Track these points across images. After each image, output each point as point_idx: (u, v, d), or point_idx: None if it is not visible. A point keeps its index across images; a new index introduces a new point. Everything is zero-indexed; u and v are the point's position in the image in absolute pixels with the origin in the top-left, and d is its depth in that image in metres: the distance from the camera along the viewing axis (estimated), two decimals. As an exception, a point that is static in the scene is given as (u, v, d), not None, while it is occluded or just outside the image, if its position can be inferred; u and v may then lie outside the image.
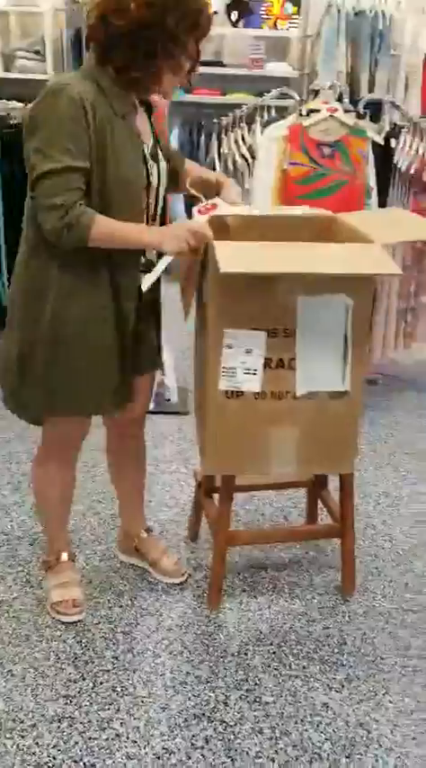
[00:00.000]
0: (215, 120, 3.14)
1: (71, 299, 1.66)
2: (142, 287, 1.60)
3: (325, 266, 1.60)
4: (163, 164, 1.75)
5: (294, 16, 4.66)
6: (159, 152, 1.74)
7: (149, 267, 1.72)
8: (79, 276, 1.65)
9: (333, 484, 2.08)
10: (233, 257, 1.56)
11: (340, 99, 2.95)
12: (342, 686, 1.81)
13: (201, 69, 5.41)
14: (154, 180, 1.71)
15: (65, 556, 2.04)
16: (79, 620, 1.96)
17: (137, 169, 1.65)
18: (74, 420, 1.83)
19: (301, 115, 2.78)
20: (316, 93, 3.04)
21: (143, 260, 1.72)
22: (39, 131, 1.56)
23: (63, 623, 1.95)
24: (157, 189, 1.73)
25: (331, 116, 2.73)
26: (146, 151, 1.68)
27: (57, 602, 1.97)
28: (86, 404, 1.77)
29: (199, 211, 1.69)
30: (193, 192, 1.78)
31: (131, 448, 2.09)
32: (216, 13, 4.69)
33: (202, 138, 4.36)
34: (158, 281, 1.75)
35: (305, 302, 1.69)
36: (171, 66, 1.61)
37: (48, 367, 1.70)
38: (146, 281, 1.60)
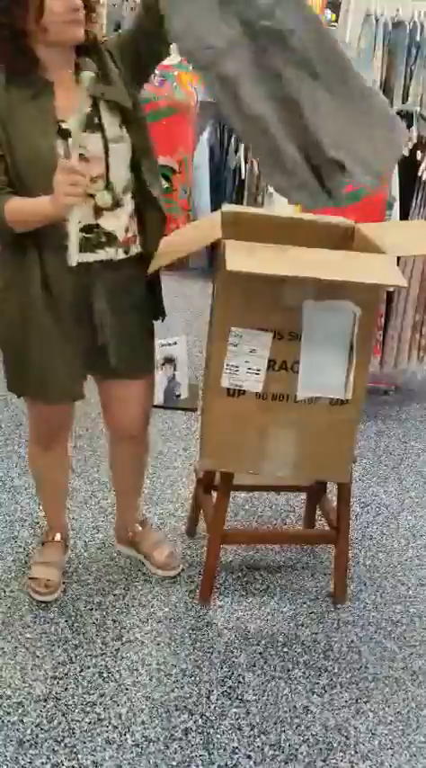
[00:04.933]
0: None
1: (8, 291, 1.72)
2: (69, 262, 1.56)
3: (331, 273, 1.61)
4: (113, 129, 1.63)
5: (332, 24, 4.66)
6: (105, 118, 1.62)
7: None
8: (14, 269, 1.69)
9: (335, 490, 2.09)
10: (242, 256, 1.58)
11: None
12: (324, 691, 1.83)
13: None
14: (93, 151, 1.60)
15: (58, 536, 2.12)
16: (50, 601, 2.00)
17: (44, 147, 1.57)
18: (43, 407, 1.87)
19: (328, 122, 2.78)
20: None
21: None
22: None
23: (56, 606, 1.99)
24: (107, 159, 1.62)
25: (357, 125, 2.72)
26: (72, 125, 1.51)
27: (33, 579, 2.04)
28: (37, 389, 1.80)
29: None
30: None
31: (127, 452, 2.07)
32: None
33: (232, 139, 4.37)
34: (154, 285, 1.81)
35: (311, 306, 1.70)
36: (29, 20, 1.49)
37: (4, 353, 1.82)
38: (70, 257, 1.55)
